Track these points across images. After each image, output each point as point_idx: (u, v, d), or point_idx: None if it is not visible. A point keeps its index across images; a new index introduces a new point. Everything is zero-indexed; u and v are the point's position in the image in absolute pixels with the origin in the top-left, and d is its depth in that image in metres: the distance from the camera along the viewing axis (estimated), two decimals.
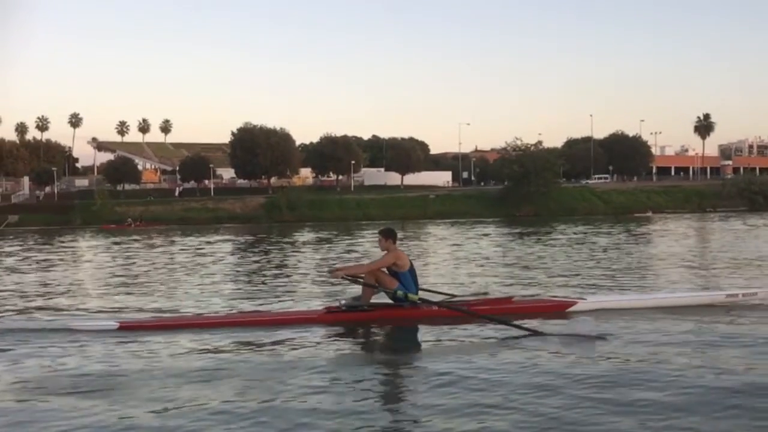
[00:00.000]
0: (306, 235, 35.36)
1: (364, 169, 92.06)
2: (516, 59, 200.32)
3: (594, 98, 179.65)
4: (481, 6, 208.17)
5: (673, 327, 7.19)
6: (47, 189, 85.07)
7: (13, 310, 9.66)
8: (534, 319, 7.45)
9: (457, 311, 7.68)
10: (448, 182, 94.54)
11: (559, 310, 8.14)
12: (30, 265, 18.80)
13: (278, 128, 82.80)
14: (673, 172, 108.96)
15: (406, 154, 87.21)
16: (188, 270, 15.98)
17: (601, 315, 7.83)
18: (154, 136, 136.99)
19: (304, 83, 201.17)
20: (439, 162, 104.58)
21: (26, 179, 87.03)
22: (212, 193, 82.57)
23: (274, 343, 6.83)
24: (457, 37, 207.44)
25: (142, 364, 6.03)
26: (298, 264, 17.37)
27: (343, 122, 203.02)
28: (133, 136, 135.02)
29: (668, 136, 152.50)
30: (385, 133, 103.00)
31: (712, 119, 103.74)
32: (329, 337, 7.15)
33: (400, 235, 8.60)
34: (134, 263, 18.61)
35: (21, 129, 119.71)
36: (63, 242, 33.04)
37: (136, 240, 33.99)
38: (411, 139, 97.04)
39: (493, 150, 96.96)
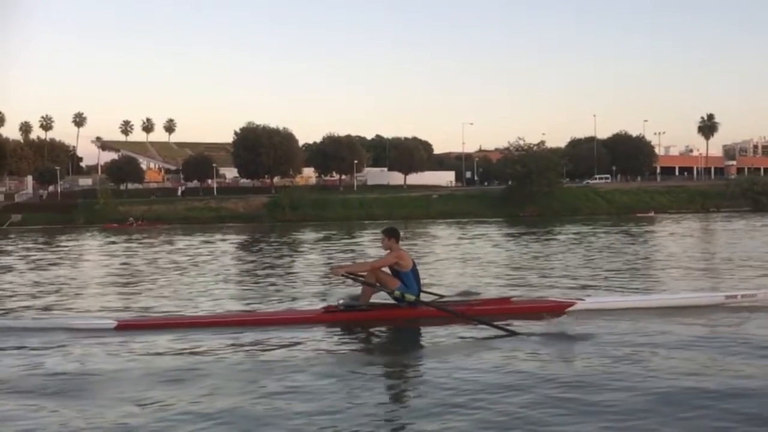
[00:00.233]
0: (308, 235, 35.34)
1: (367, 169, 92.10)
2: (520, 59, 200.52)
3: (597, 98, 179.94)
4: (486, 6, 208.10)
5: (667, 328, 7.15)
6: (50, 188, 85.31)
7: (11, 309, 9.69)
8: (532, 320, 7.42)
9: (444, 312, 7.62)
10: (451, 182, 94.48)
11: (557, 310, 8.11)
12: (30, 264, 18.82)
13: (281, 128, 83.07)
14: (677, 173, 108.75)
15: (409, 153, 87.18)
16: (188, 269, 15.97)
17: (599, 315, 7.81)
18: (158, 135, 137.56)
19: (309, 83, 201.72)
20: (442, 162, 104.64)
21: (30, 178, 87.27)
22: (215, 193, 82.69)
23: (271, 342, 6.82)
24: (461, 37, 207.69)
25: (121, 363, 6.03)
26: (298, 263, 17.34)
27: (347, 122, 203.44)
28: (137, 135, 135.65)
29: (672, 136, 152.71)
30: (388, 133, 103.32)
31: (716, 119, 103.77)
32: (326, 337, 7.13)
33: (402, 234, 8.56)
34: (134, 262, 18.62)
35: (25, 128, 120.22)
36: (64, 241, 33.07)
37: (137, 239, 34.02)
38: (414, 139, 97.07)
39: (496, 150, 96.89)
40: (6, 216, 69.39)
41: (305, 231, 40.93)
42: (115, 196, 77.70)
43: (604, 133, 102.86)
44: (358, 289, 8.01)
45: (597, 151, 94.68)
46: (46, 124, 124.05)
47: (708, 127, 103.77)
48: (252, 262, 18.62)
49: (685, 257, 16.95)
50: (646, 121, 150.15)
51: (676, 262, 15.62)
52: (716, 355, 5.97)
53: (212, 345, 6.70)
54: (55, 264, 18.53)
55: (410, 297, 7.59)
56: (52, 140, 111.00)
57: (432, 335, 7.14)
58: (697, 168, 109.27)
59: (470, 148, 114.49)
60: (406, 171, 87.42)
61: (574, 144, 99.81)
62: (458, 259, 17.76)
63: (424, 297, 8.01)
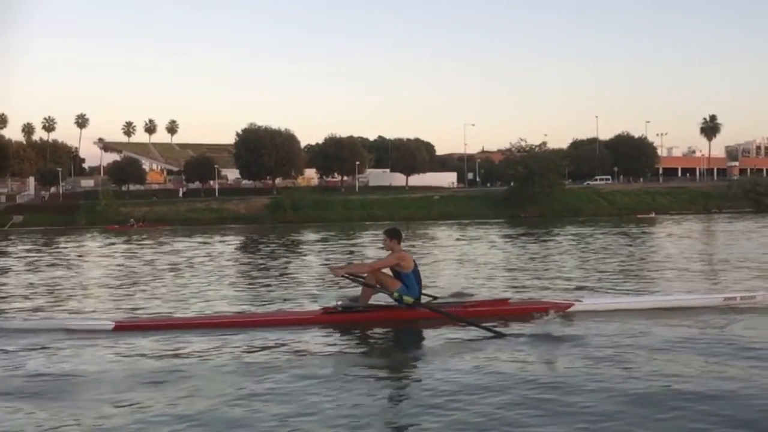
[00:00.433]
0: (309, 236, 35.36)
1: (368, 170, 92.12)
2: (522, 60, 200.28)
3: (600, 99, 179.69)
4: (487, 6, 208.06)
5: (660, 329, 7.14)
6: (52, 189, 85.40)
7: (11, 310, 9.72)
8: (530, 321, 7.44)
9: (439, 314, 7.61)
10: (453, 183, 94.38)
11: (556, 311, 8.09)
12: (30, 265, 18.87)
13: (283, 129, 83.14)
14: (679, 174, 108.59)
15: (410, 154, 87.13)
16: (186, 271, 16.00)
17: (596, 317, 7.82)
18: (161, 136, 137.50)
19: (311, 84, 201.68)
20: (445, 163, 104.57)
21: (32, 179, 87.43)
22: (217, 194, 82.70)
23: (268, 343, 6.84)
24: (462, 37, 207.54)
25: (107, 364, 6.05)
26: (297, 265, 17.36)
27: (349, 123, 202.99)
28: (140, 136, 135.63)
29: (674, 137, 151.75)
30: (391, 134, 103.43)
31: (719, 120, 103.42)
32: (323, 338, 7.15)
33: (403, 236, 8.58)
34: (132, 264, 18.65)
35: (28, 130, 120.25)
36: (65, 243, 33.13)
37: (137, 241, 34.07)
38: (417, 140, 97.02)
39: (499, 151, 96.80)
40: (8, 217, 69.45)
41: (306, 232, 40.95)
42: (117, 197, 77.77)
43: (606, 134, 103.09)
44: (357, 290, 8.03)
45: (599, 152, 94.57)
46: (49, 126, 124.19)
47: (710, 128, 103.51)
48: (251, 263, 18.63)
49: (683, 258, 16.91)
50: (648, 122, 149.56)
51: (673, 263, 15.58)
52: (703, 356, 5.95)
53: (206, 346, 6.72)
54: (52, 265, 18.55)
55: (408, 299, 7.58)
56: (55, 141, 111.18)
57: (427, 337, 7.17)
58: (699, 169, 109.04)
59: (473, 149, 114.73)
60: (408, 172, 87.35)
61: (576, 145, 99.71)
62: (457, 260, 17.75)
63: (425, 299, 8.00)
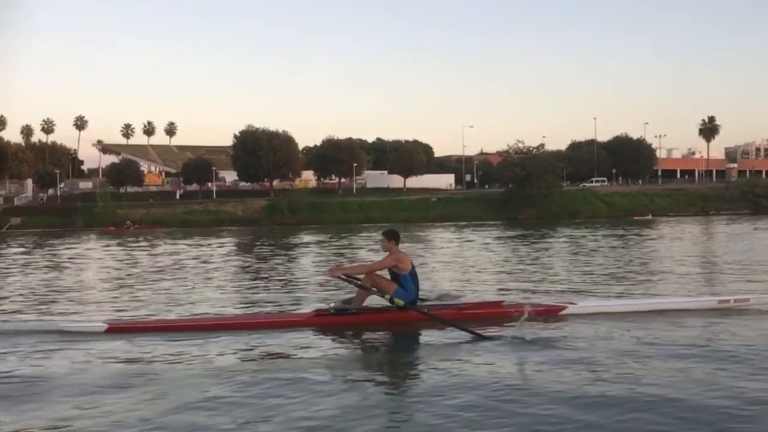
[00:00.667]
0: (305, 238, 35.35)
1: (366, 172, 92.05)
2: (521, 61, 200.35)
3: (598, 101, 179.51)
4: (487, 7, 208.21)
5: (649, 332, 7.13)
6: (50, 191, 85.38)
7: (3, 313, 9.70)
8: (521, 324, 7.38)
9: (428, 317, 7.60)
10: (450, 185, 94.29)
11: (550, 314, 8.15)
12: (23, 267, 18.84)
13: (281, 131, 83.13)
14: (678, 175, 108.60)
15: (408, 156, 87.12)
16: (181, 272, 16.01)
17: (588, 319, 7.82)
18: (159, 138, 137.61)
19: (311, 86, 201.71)
20: (443, 165, 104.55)
21: (30, 182, 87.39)
22: (214, 196, 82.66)
23: (258, 345, 6.86)
24: (462, 39, 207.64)
25: (79, 366, 6.06)
26: (292, 267, 17.36)
27: (348, 125, 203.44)
28: (139, 138, 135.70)
29: (673, 138, 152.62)
30: (389, 136, 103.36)
31: (718, 122, 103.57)
32: (314, 340, 7.16)
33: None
34: (127, 266, 18.65)
35: (26, 131, 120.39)
36: (61, 245, 33.07)
37: (133, 242, 34.06)
38: (415, 142, 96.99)
39: (497, 153, 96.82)
40: (5, 219, 69.40)
41: (303, 234, 40.93)
42: (115, 199, 77.73)
43: (604, 135, 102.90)
44: (352, 293, 8.03)
45: (597, 153, 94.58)
46: (48, 128, 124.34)
47: (709, 130, 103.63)
48: (246, 265, 18.63)
49: (678, 261, 16.90)
50: (646, 123, 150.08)
51: (668, 265, 15.59)
52: (686, 360, 5.93)
53: (196, 349, 6.73)
54: (45, 267, 18.53)
55: (399, 301, 7.56)
56: (54, 143, 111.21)
57: (417, 340, 7.23)
58: (698, 171, 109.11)
59: (472, 150, 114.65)
60: (406, 174, 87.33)
61: (575, 147, 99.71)
62: (451, 262, 17.75)
63: (421, 301, 8.00)
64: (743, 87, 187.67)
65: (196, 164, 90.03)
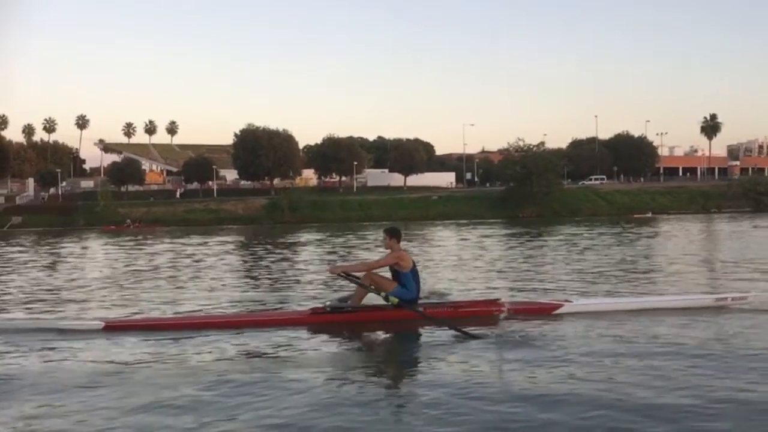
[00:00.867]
0: (305, 237, 35.34)
1: (367, 170, 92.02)
2: (522, 60, 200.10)
3: (599, 99, 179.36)
4: (488, 7, 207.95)
5: (641, 331, 7.11)
6: (52, 190, 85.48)
7: (3, 311, 9.70)
8: (520, 322, 7.47)
9: (421, 316, 7.58)
10: (451, 183, 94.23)
11: (545, 312, 8.14)
12: (23, 266, 18.85)
13: (281, 129, 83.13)
14: (680, 173, 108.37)
15: (409, 155, 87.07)
16: (179, 271, 16.02)
17: (585, 317, 7.80)
18: (161, 137, 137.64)
19: (311, 85, 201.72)
20: (444, 163, 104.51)
21: (31, 180, 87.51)
22: (215, 194, 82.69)
23: (254, 343, 6.86)
24: (463, 38, 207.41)
25: (55, 365, 6.05)
26: (291, 265, 17.35)
27: (349, 124, 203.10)
28: (140, 137, 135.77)
29: (675, 136, 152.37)
30: (391, 134, 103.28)
31: (720, 120, 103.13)
32: (310, 339, 7.16)
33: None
34: (126, 264, 18.65)
35: (28, 131, 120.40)
36: (61, 244, 33.14)
37: (133, 241, 34.09)
38: (416, 140, 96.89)
39: (498, 151, 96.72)
40: (7, 218, 69.54)
41: (303, 233, 40.93)
42: (116, 198, 77.78)
43: (606, 133, 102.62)
44: (348, 290, 8.02)
45: (598, 151, 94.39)
46: (49, 127, 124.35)
47: (711, 128, 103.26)
48: (245, 264, 18.64)
49: (677, 258, 16.90)
50: (648, 121, 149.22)
51: (667, 263, 15.57)
52: (679, 359, 5.87)
53: (191, 347, 6.73)
54: (44, 266, 18.56)
55: (394, 299, 7.55)
56: (55, 143, 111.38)
57: (412, 338, 7.25)
58: (700, 168, 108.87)
59: (473, 149, 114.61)
60: (407, 172, 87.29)
61: (576, 145, 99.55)
62: (451, 260, 17.73)
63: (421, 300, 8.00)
64: (745, 84, 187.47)
65: (197, 163, 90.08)
